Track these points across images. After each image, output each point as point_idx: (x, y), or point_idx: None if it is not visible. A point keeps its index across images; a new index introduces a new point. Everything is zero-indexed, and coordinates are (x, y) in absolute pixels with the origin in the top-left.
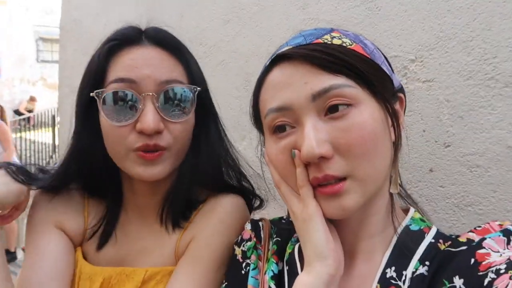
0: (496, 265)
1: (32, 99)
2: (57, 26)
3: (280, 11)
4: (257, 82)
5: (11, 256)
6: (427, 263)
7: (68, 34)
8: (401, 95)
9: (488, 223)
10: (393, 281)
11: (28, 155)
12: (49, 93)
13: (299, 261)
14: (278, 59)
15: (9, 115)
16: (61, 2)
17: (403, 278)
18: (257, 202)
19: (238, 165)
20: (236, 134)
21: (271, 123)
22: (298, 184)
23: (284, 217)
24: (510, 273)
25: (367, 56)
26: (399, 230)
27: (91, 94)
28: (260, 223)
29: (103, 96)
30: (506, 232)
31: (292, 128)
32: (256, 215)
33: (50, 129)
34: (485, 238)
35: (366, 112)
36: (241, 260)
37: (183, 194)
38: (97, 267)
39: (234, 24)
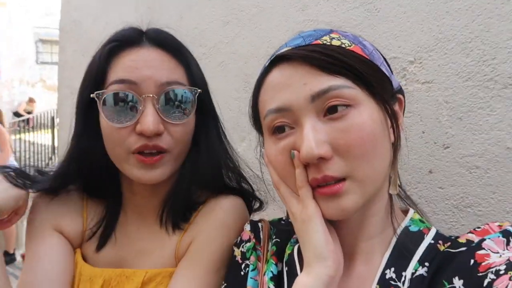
0: (495, 266)
1: (31, 101)
2: (57, 28)
3: (279, 13)
4: (256, 83)
5: (9, 258)
6: (426, 264)
7: (67, 35)
8: (400, 96)
9: (488, 224)
10: (392, 282)
11: (27, 156)
12: (48, 94)
13: (299, 262)
14: (277, 60)
15: (9, 117)
16: (60, 3)
17: (403, 279)
18: (257, 204)
19: (238, 167)
20: (235, 135)
21: (270, 124)
22: (297, 185)
23: (284, 218)
24: (510, 274)
25: (366, 57)
26: (399, 231)
27: (91, 95)
28: (260, 224)
29: (103, 97)
30: (505, 233)
31: (291, 129)
32: (256, 217)
33: (50, 130)
34: (484, 239)
35: (365, 113)
36: (240, 261)
37: (183, 195)
38: (97, 269)
39: (233, 26)
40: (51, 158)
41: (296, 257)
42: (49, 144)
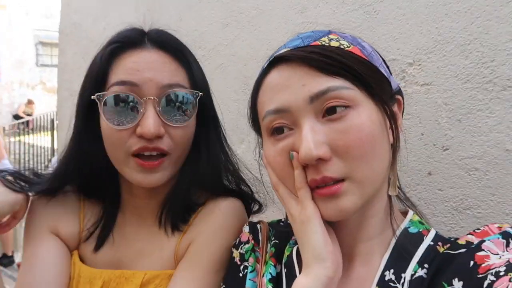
0: (495, 267)
1: (29, 103)
2: (57, 30)
3: (278, 15)
4: (255, 84)
5: (8, 260)
6: (426, 265)
7: (67, 38)
8: (399, 97)
9: (487, 226)
10: (392, 284)
11: (27, 158)
12: (48, 97)
13: (297, 263)
14: (276, 61)
15: (8, 119)
16: (60, 6)
17: (402, 280)
18: (256, 207)
19: (237, 170)
20: (234, 137)
21: (269, 125)
22: (296, 186)
23: (283, 220)
24: (510, 275)
25: (365, 58)
26: (398, 232)
27: (92, 96)
28: (258, 226)
29: (104, 99)
30: (505, 235)
31: (290, 130)
32: (255, 218)
33: (49, 133)
34: (484, 241)
35: (364, 114)
36: (239, 263)
37: (183, 197)
38: (96, 270)
39: (232, 28)
40: (50, 160)
41: (295, 258)
42: (49, 146)
